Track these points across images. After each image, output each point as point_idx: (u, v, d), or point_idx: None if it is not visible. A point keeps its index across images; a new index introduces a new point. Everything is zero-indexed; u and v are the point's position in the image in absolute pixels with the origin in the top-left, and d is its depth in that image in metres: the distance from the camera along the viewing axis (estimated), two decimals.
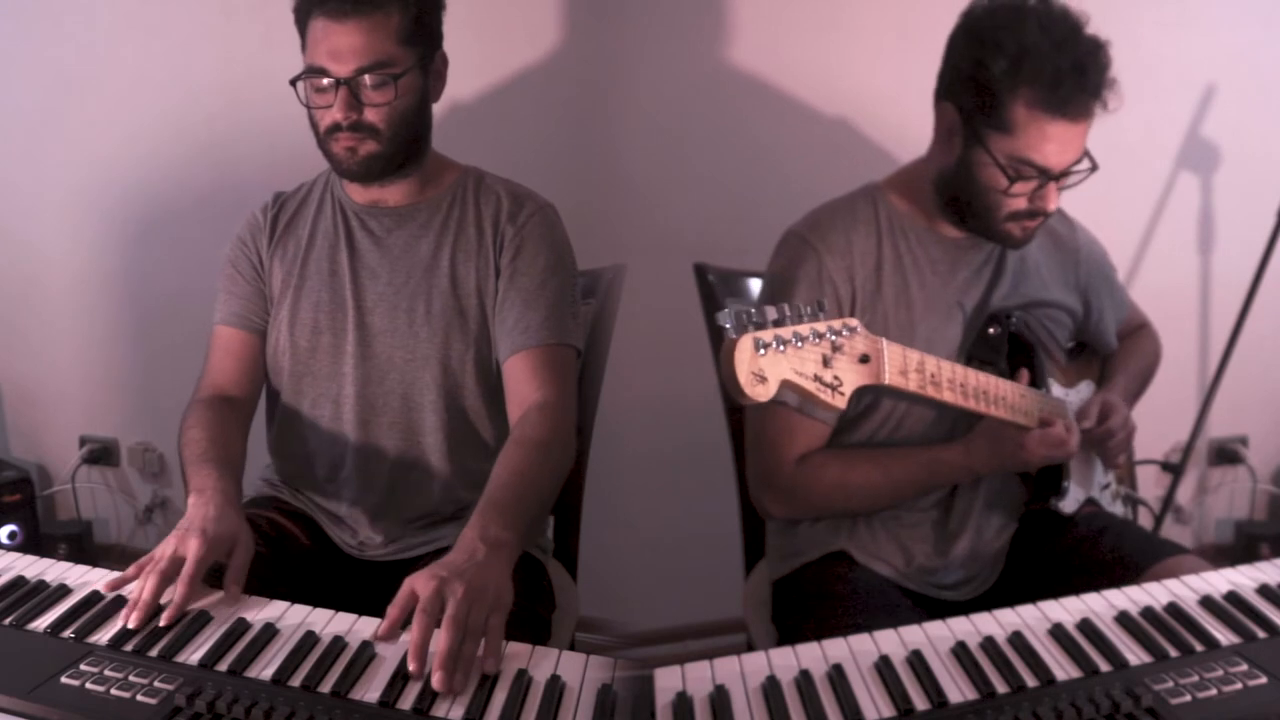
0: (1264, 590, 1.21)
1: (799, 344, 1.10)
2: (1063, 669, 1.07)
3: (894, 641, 1.13)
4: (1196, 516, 2.57)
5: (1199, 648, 1.11)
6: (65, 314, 2.45)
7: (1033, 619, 1.16)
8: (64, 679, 1.02)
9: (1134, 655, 1.09)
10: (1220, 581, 1.24)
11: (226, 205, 2.20)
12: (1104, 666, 1.08)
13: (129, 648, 1.08)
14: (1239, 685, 1.04)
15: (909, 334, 1.43)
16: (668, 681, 1.06)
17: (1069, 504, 1.50)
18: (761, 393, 1.07)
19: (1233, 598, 1.20)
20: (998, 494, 1.51)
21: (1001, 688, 1.05)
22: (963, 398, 1.33)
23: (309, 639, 1.10)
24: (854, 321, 1.18)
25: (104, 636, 1.10)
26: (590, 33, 2.08)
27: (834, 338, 1.15)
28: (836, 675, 1.07)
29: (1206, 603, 1.19)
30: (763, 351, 1.07)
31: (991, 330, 1.45)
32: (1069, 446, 1.41)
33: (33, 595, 1.18)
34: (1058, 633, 1.13)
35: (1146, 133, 2.15)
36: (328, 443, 1.51)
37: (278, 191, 1.57)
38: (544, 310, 1.44)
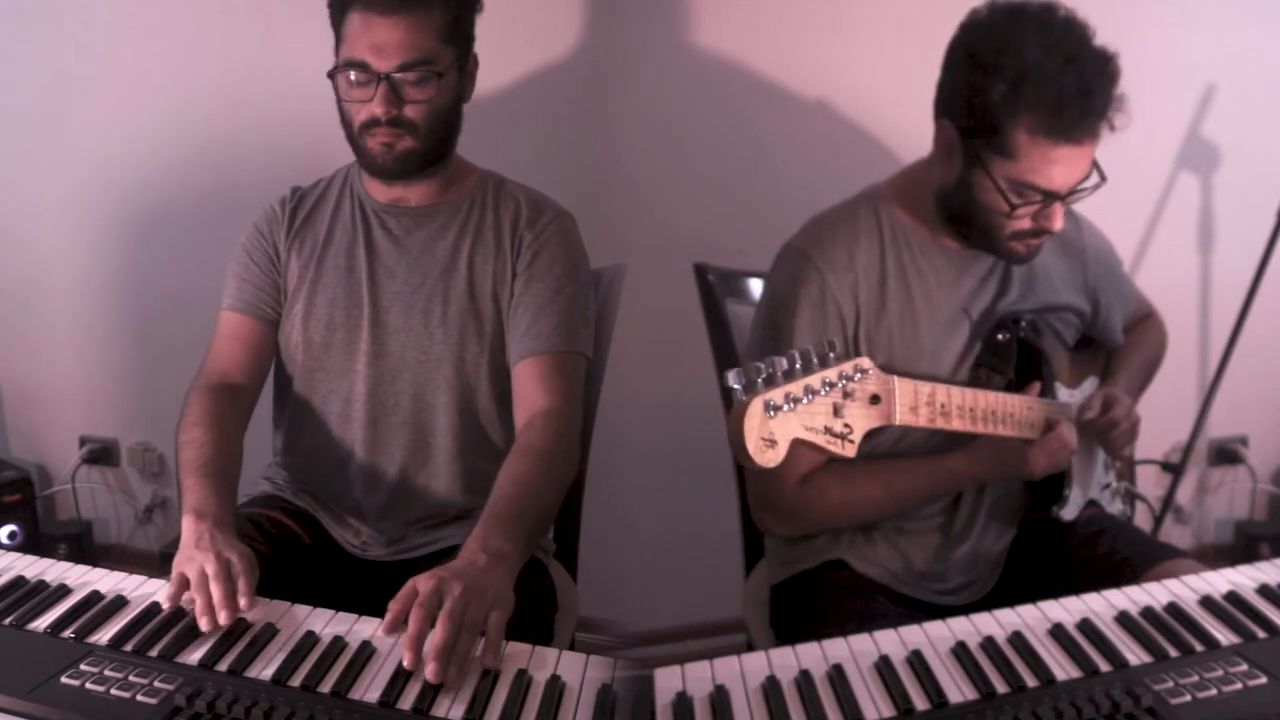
0: (1264, 590, 1.21)
1: (809, 399, 1.08)
2: (1063, 669, 1.07)
3: (894, 641, 1.13)
4: (1196, 516, 2.57)
5: (1199, 648, 1.11)
6: (65, 314, 2.45)
7: (1033, 619, 1.16)
8: (64, 679, 1.02)
9: (1134, 655, 1.09)
10: (1220, 581, 1.24)
11: (226, 205, 2.21)
12: (1104, 666, 1.08)
13: (129, 648, 1.08)
14: (1239, 685, 1.04)
15: (915, 348, 1.41)
16: (668, 681, 1.06)
17: (1070, 511, 1.48)
18: (770, 458, 1.04)
19: (1233, 598, 1.20)
20: (1001, 499, 1.50)
21: (1001, 688, 1.05)
22: (972, 423, 1.31)
23: (309, 639, 1.10)
24: (866, 362, 1.15)
25: (104, 636, 1.10)
26: (591, 33, 2.08)
27: (845, 383, 1.12)
28: (836, 675, 1.07)
29: (1206, 603, 1.19)
30: (773, 414, 1.04)
31: (1000, 336, 1.42)
32: (1070, 448, 1.40)
33: (33, 595, 1.18)
34: (1058, 633, 1.13)
35: (1146, 133, 2.15)
36: (336, 439, 1.50)
37: (295, 185, 1.56)
38: (556, 317, 1.44)
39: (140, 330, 2.43)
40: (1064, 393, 1.51)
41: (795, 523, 1.49)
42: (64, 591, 1.19)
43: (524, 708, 1.02)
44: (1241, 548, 2.51)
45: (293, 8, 2.13)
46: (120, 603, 1.16)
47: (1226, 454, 2.52)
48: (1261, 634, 1.13)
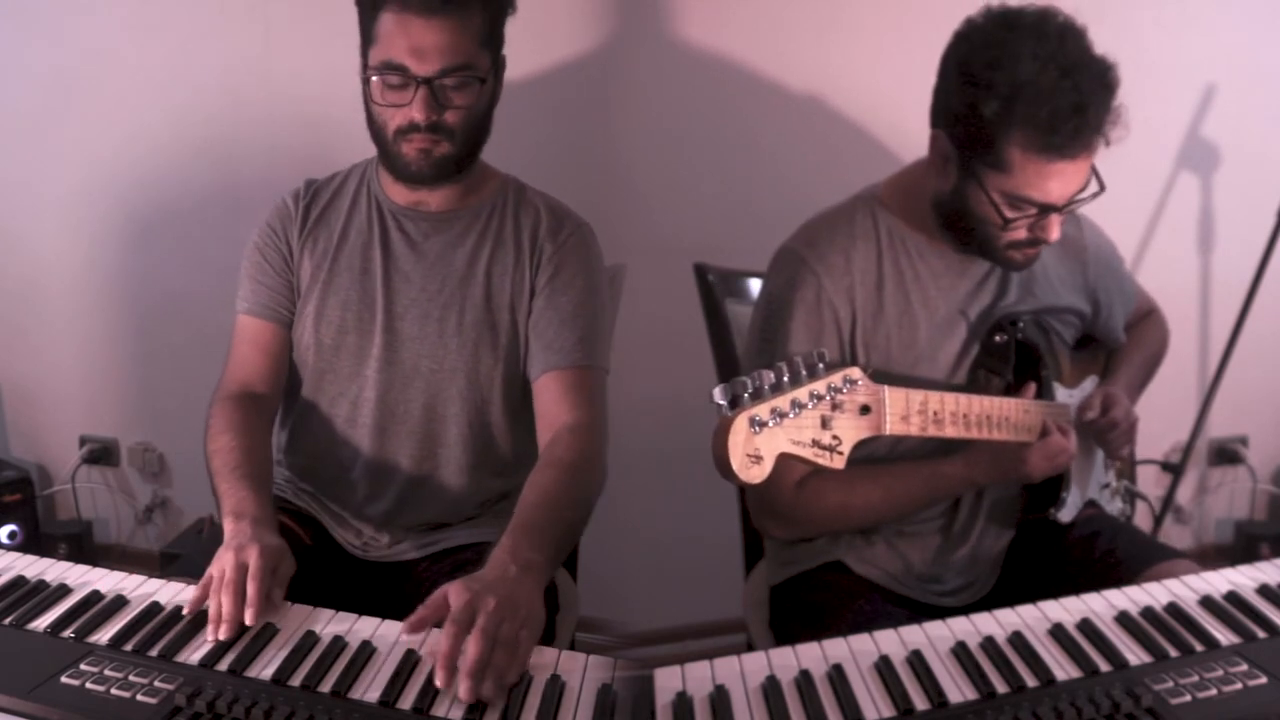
0: (1264, 590, 1.21)
1: (796, 412, 1.06)
2: (1063, 669, 1.07)
3: (894, 641, 1.12)
4: (1196, 516, 2.57)
5: (1199, 648, 1.10)
6: (65, 314, 2.45)
7: (1033, 619, 1.16)
8: (64, 679, 1.02)
9: (1134, 655, 1.09)
10: (1220, 581, 1.24)
11: (227, 205, 2.21)
12: (1104, 666, 1.07)
13: (129, 647, 1.08)
14: (1239, 685, 1.04)
15: (912, 351, 1.41)
16: (668, 681, 1.06)
17: (1067, 513, 1.48)
18: (756, 475, 1.02)
19: (1233, 598, 1.20)
20: (1000, 501, 1.49)
21: (1001, 688, 1.05)
22: (966, 429, 1.30)
23: (309, 639, 1.10)
24: (855, 372, 1.14)
25: (104, 636, 1.10)
26: (591, 34, 2.08)
27: (834, 395, 1.10)
28: (836, 675, 1.07)
29: (1206, 603, 1.19)
30: (758, 430, 1.01)
31: (998, 338, 1.41)
32: (1069, 451, 1.39)
33: (33, 595, 1.18)
34: (1058, 633, 1.13)
35: (1146, 133, 2.15)
36: (340, 443, 1.49)
37: (309, 179, 1.53)
38: (579, 331, 1.43)
39: (140, 330, 2.43)
40: (1063, 393, 1.51)
41: (794, 527, 1.49)
42: (64, 591, 1.19)
43: (524, 707, 1.02)
44: (1241, 548, 2.51)
45: (293, 8, 2.13)
46: (120, 602, 1.16)
47: (1226, 454, 2.52)
48: (1261, 634, 1.13)
